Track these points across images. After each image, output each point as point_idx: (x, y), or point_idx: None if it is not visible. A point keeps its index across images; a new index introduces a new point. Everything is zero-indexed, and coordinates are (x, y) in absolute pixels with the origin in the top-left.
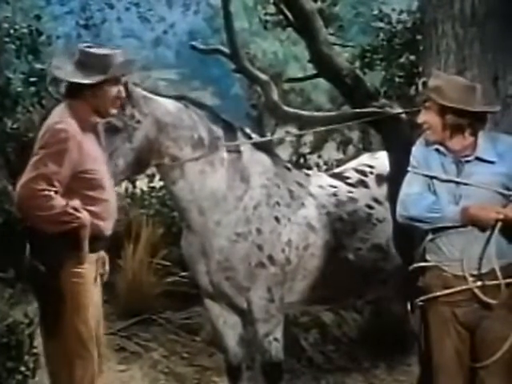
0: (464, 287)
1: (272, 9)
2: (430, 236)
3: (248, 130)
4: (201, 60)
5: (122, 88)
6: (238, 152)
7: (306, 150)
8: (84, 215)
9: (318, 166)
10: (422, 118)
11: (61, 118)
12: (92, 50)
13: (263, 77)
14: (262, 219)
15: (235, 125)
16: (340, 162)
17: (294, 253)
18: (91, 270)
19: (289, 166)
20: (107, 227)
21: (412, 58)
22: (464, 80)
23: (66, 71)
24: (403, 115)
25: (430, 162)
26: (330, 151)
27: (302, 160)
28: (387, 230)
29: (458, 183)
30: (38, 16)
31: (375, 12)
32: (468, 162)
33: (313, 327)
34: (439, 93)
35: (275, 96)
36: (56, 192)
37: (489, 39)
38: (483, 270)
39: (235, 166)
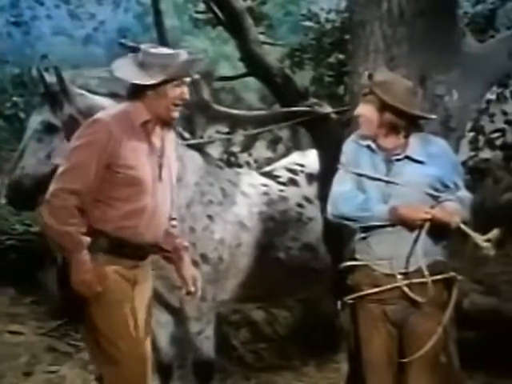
0: (393, 285)
1: (202, 7)
2: (359, 235)
3: (180, 129)
4: None
5: (185, 89)
6: None
7: (236, 148)
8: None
9: (248, 164)
10: (359, 111)
11: (106, 112)
12: (154, 50)
13: (194, 75)
14: (195, 217)
15: None
16: (270, 161)
17: (226, 251)
18: (119, 276)
19: (221, 164)
20: (142, 233)
21: (341, 57)
22: (408, 82)
23: (127, 72)
24: (332, 114)
25: (360, 160)
26: (260, 150)
27: (232, 158)
28: (317, 229)
29: (387, 182)
30: None
31: (304, 11)
32: (398, 160)
33: (243, 325)
34: (385, 89)
35: (206, 95)
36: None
37: (416, 39)
38: (411, 269)
39: None
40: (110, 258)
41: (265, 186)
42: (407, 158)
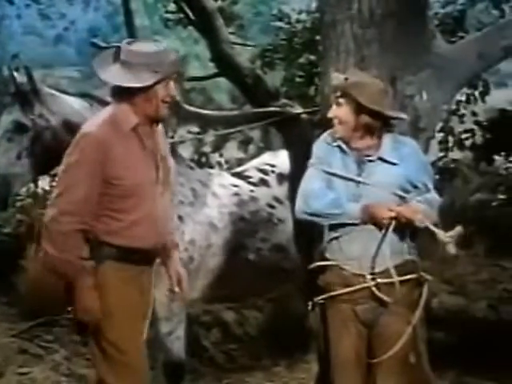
0: (362, 285)
1: (173, 7)
2: (329, 235)
3: None
4: None
5: (172, 85)
6: None
7: (207, 148)
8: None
9: (219, 164)
10: (333, 113)
11: (92, 123)
12: (137, 48)
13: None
14: None
15: None
16: (241, 161)
17: (196, 252)
18: (121, 279)
19: (191, 164)
20: (148, 239)
21: (312, 57)
22: (379, 82)
23: (113, 74)
24: (303, 115)
25: (331, 160)
26: (232, 150)
27: (203, 159)
28: (288, 230)
29: (358, 182)
30: None
31: (275, 11)
32: (370, 161)
33: (214, 326)
34: (360, 90)
35: (177, 95)
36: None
37: (387, 40)
38: (379, 269)
39: None
40: (118, 266)
41: (235, 186)
42: (380, 159)
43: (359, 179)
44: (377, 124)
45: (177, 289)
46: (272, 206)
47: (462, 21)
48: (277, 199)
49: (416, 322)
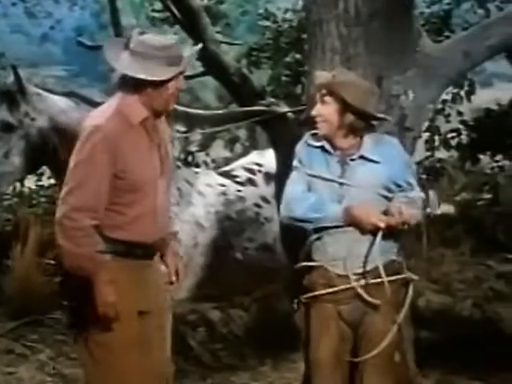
0: (347, 286)
1: (159, 5)
2: (314, 235)
3: None
4: (88, 56)
5: (182, 79)
6: None
7: (193, 147)
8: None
9: (206, 164)
10: (317, 111)
11: (100, 115)
12: (153, 41)
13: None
14: None
15: None
16: (228, 160)
17: (183, 251)
18: (124, 274)
19: (178, 163)
20: (151, 233)
21: (298, 56)
22: (366, 82)
23: (126, 64)
24: (290, 114)
25: (314, 160)
26: (218, 149)
27: (190, 158)
28: (274, 229)
29: (341, 184)
30: None
31: (261, 10)
32: (352, 160)
33: (200, 325)
34: (346, 89)
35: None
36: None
37: (373, 39)
38: (363, 269)
39: None
40: (123, 262)
41: (222, 185)
42: (362, 157)
43: (341, 180)
44: (361, 124)
45: (174, 278)
46: (259, 206)
47: (447, 20)
48: (264, 199)
49: (401, 322)
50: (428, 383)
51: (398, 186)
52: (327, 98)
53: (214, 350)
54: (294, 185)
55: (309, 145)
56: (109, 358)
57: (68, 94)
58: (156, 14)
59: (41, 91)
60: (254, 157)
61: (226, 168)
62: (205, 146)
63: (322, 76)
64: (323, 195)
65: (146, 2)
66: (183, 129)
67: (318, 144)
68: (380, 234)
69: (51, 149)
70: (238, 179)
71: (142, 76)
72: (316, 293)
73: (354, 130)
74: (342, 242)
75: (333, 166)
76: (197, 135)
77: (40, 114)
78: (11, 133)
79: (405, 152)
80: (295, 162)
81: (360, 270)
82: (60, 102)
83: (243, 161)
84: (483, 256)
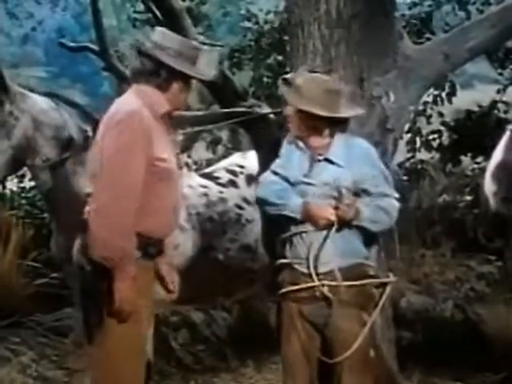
0: (307, 285)
1: (140, 7)
2: (285, 234)
3: None
4: (70, 58)
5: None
6: None
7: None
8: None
9: (187, 165)
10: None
11: (129, 101)
12: (184, 39)
13: None
14: None
15: None
16: (210, 162)
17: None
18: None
19: None
20: (164, 226)
21: (279, 58)
22: (329, 82)
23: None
24: (271, 115)
25: (292, 158)
26: (200, 151)
27: None
28: (256, 230)
29: (306, 184)
30: None
31: (243, 12)
32: (319, 161)
33: (182, 327)
34: (296, 93)
35: None
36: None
37: (354, 41)
38: (323, 270)
39: None
40: (144, 263)
41: (204, 187)
42: (326, 160)
43: (305, 180)
44: (319, 123)
45: (171, 286)
46: (241, 207)
47: (428, 22)
48: (245, 200)
49: (372, 323)
50: None
51: (366, 191)
52: None
53: (195, 352)
54: (270, 170)
55: (289, 143)
56: (116, 361)
57: (49, 95)
58: (137, 15)
59: (23, 90)
60: (236, 159)
61: (208, 170)
62: (186, 147)
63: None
64: (290, 187)
65: (128, 3)
66: (177, 135)
67: (294, 142)
68: (334, 228)
69: (31, 149)
70: (219, 181)
71: (196, 75)
72: (281, 291)
73: (315, 129)
74: (306, 240)
75: (303, 163)
76: (178, 136)
77: (23, 113)
78: None
79: (377, 157)
80: (276, 160)
81: (320, 270)
82: (41, 102)
83: (225, 162)
84: (464, 257)
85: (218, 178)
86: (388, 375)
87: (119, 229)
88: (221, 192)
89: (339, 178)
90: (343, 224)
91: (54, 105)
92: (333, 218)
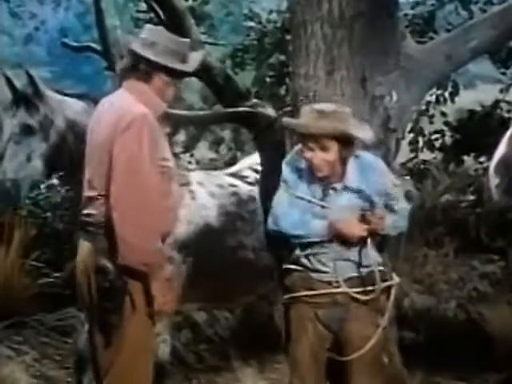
0: (327, 291)
1: (143, 6)
2: (299, 248)
3: None
4: (73, 57)
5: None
6: None
7: (178, 149)
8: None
9: (190, 165)
10: (322, 159)
11: (134, 102)
12: (175, 37)
13: None
14: None
15: None
16: (213, 161)
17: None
18: None
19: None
20: (167, 228)
21: (282, 58)
22: (320, 106)
23: (166, 58)
24: (274, 115)
25: (298, 182)
26: (203, 150)
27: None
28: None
29: (323, 207)
30: None
31: (245, 11)
32: (335, 189)
33: (185, 326)
34: (354, 128)
35: None
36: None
37: (357, 40)
38: (344, 277)
39: None
40: None
41: (234, 186)
42: (346, 187)
43: (323, 204)
44: (350, 151)
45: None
46: None
47: (431, 22)
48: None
49: (385, 324)
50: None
51: (381, 199)
52: (329, 143)
53: (198, 351)
54: (281, 201)
55: (296, 167)
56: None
57: (79, 96)
58: (140, 15)
59: (55, 93)
60: (258, 157)
61: (233, 169)
62: (189, 147)
63: (316, 127)
64: (307, 213)
65: (130, 3)
66: (167, 130)
67: (302, 166)
68: (369, 244)
69: (68, 151)
70: (247, 179)
71: (185, 69)
72: (295, 294)
73: (344, 159)
74: (326, 255)
75: (316, 190)
76: (181, 136)
77: (57, 116)
78: (31, 136)
79: (386, 169)
80: (282, 181)
81: (350, 276)
82: (72, 103)
83: (248, 162)
84: (467, 257)
85: (245, 177)
86: (399, 381)
87: (150, 233)
88: (251, 190)
89: (360, 200)
90: (374, 236)
91: (86, 105)
92: (365, 233)
